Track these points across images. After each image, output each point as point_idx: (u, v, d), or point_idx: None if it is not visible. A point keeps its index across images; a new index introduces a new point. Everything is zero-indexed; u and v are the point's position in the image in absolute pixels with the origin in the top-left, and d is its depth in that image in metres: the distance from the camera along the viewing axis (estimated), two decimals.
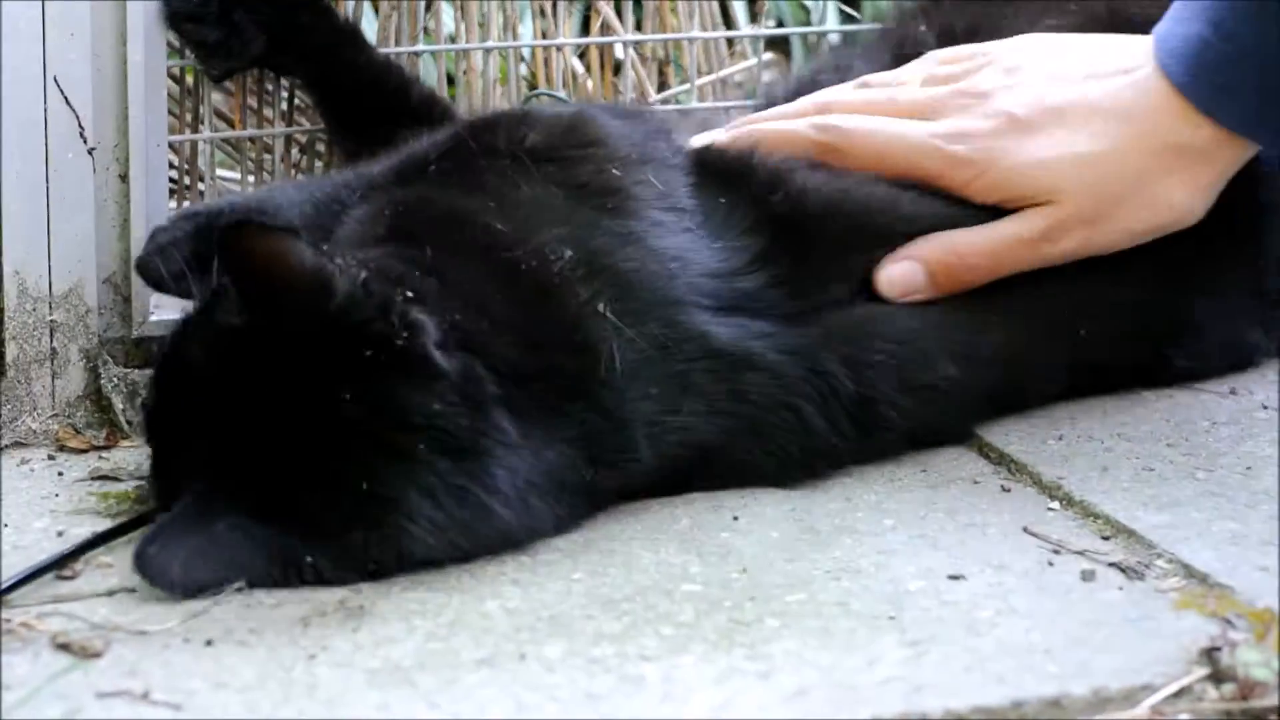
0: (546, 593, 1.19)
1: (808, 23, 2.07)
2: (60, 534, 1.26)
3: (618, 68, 1.84)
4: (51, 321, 1.45)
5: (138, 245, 1.44)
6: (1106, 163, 1.37)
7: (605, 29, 1.87)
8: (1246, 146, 1.37)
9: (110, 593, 1.19)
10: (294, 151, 1.68)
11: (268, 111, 1.65)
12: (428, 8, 1.71)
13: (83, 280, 1.45)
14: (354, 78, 1.58)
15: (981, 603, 1.17)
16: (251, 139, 1.67)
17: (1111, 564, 1.22)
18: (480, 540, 1.21)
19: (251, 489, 1.18)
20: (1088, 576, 1.20)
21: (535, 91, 1.78)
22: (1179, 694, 1.07)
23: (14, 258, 1.44)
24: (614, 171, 1.34)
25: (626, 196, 1.33)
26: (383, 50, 1.63)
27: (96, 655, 1.10)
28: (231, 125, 1.69)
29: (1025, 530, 1.28)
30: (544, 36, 1.81)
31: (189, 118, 1.63)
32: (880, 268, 1.38)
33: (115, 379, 1.45)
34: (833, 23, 1.88)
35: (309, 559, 1.18)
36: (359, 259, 1.23)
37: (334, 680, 1.08)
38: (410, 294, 1.21)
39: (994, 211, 1.39)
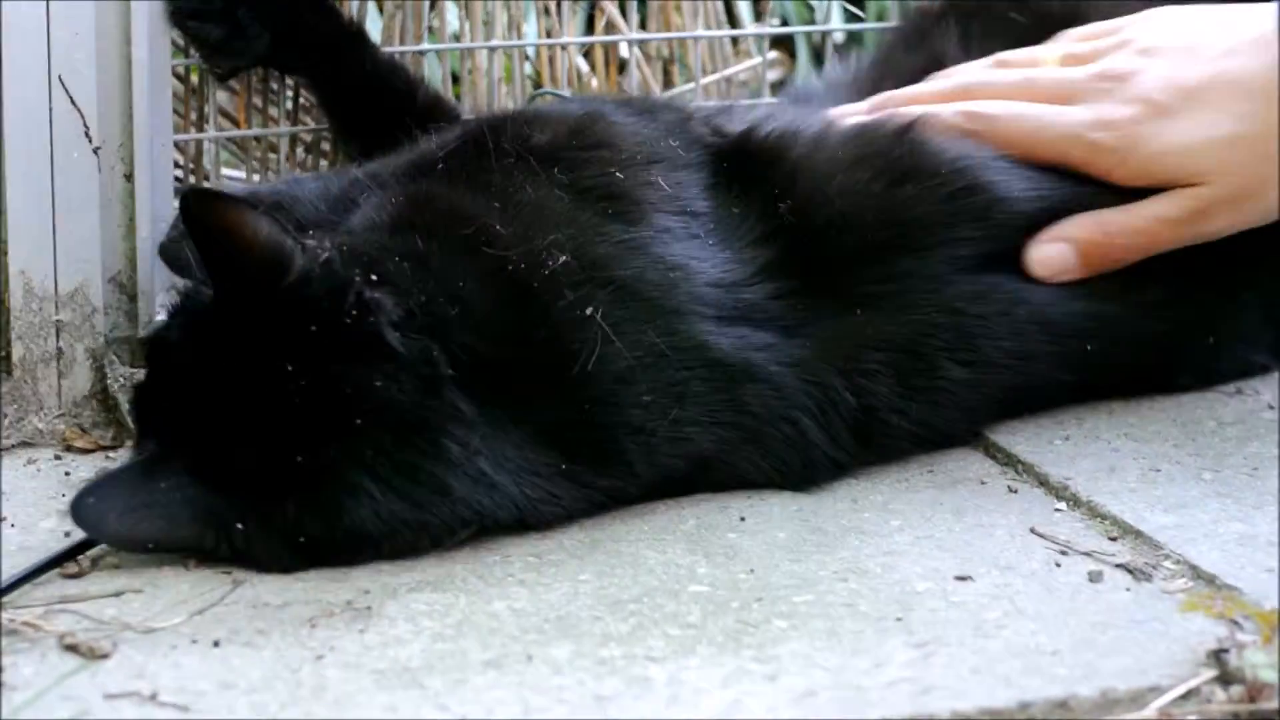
0: (554, 593, 1.19)
1: (812, 21, 2.06)
2: (67, 534, 1.26)
3: (622, 66, 1.84)
4: (57, 321, 1.45)
5: (143, 244, 1.45)
6: (1251, 144, 1.38)
7: (610, 28, 1.86)
8: None
9: (118, 593, 1.19)
10: (299, 151, 1.68)
11: (273, 111, 1.65)
12: (432, 6, 1.71)
13: (88, 280, 1.45)
14: (359, 77, 1.58)
15: (989, 604, 1.17)
16: (257, 138, 1.67)
17: (1119, 565, 1.22)
18: (433, 513, 1.22)
19: (196, 453, 1.21)
20: (1095, 577, 1.20)
21: (540, 90, 1.77)
22: (1186, 696, 1.07)
23: (19, 257, 1.44)
24: (618, 175, 1.33)
25: (631, 201, 1.32)
26: (387, 49, 1.63)
27: (104, 656, 1.10)
28: (236, 124, 1.69)
29: (1032, 531, 1.28)
30: (549, 35, 1.81)
31: (194, 117, 1.63)
32: (1030, 249, 1.39)
33: (121, 379, 1.45)
34: (837, 21, 1.87)
35: (239, 525, 1.20)
36: (334, 242, 1.25)
37: (341, 681, 1.08)
38: (375, 277, 1.23)
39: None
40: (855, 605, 1.17)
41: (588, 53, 1.86)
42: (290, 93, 1.64)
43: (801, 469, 1.33)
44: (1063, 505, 1.32)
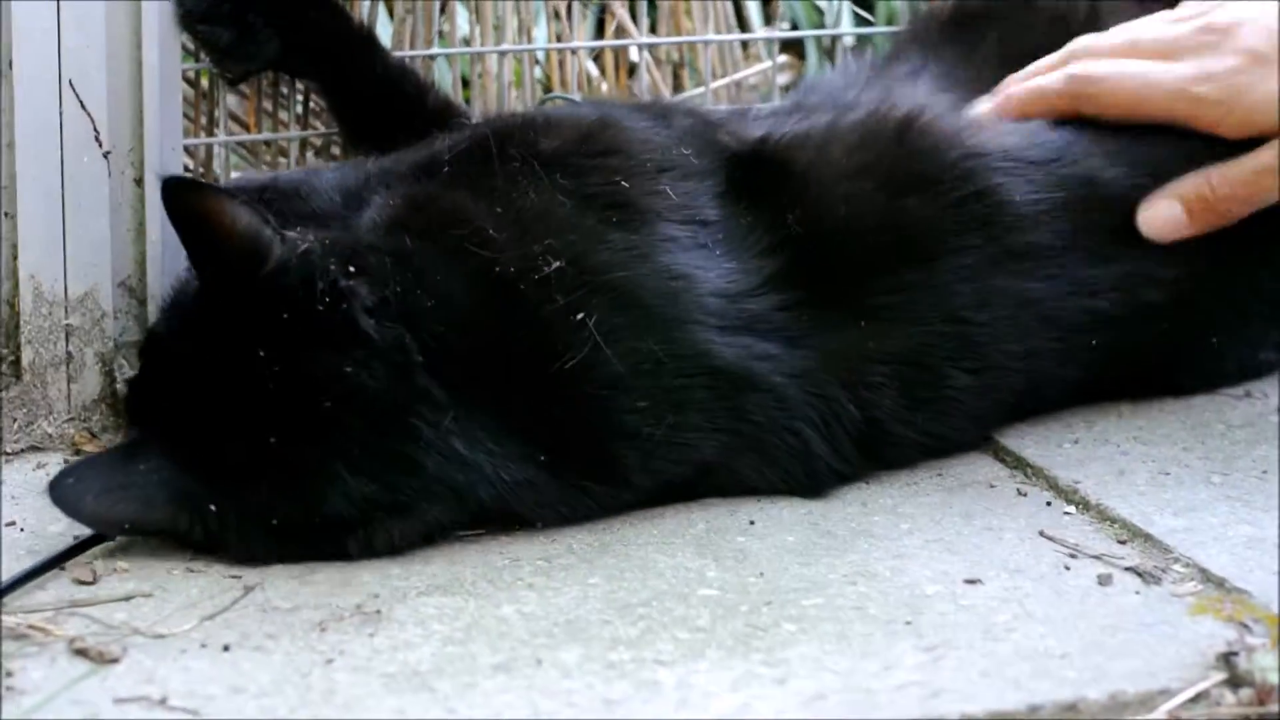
0: (563, 597, 1.19)
1: (822, 25, 2.06)
2: (77, 538, 1.26)
3: (632, 70, 1.85)
4: (67, 325, 1.45)
5: (153, 249, 1.45)
6: None
7: (620, 32, 1.87)
8: None
9: (128, 597, 1.19)
10: (309, 155, 1.68)
11: (283, 115, 1.65)
12: (442, 11, 1.71)
13: (98, 284, 1.45)
14: (369, 81, 1.58)
15: (998, 607, 1.17)
16: (267, 142, 1.67)
17: (1128, 568, 1.22)
18: (405, 494, 1.23)
19: (173, 437, 1.23)
20: (1104, 580, 1.20)
21: (550, 94, 1.78)
22: (1196, 699, 1.07)
23: (29, 261, 1.44)
24: (624, 183, 1.33)
25: (636, 209, 1.32)
26: (397, 53, 1.63)
27: (114, 660, 1.10)
28: (247, 129, 1.69)
29: (1041, 534, 1.27)
30: (559, 39, 1.81)
31: (204, 121, 1.64)
32: (1141, 210, 1.40)
33: None
34: (847, 25, 1.88)
35: (212, 507, 1.22)
36: (319, 235, 1.26)
37: (351, 685, 1.08)
38: (353, 269, 1.24)
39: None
40: (865, 608, 1.17)
41: (598, 57, 1.86)
42: (300, 97, 1.65)
43: (805, 479, 1.33)
44: (1072, 508, 1.32)
